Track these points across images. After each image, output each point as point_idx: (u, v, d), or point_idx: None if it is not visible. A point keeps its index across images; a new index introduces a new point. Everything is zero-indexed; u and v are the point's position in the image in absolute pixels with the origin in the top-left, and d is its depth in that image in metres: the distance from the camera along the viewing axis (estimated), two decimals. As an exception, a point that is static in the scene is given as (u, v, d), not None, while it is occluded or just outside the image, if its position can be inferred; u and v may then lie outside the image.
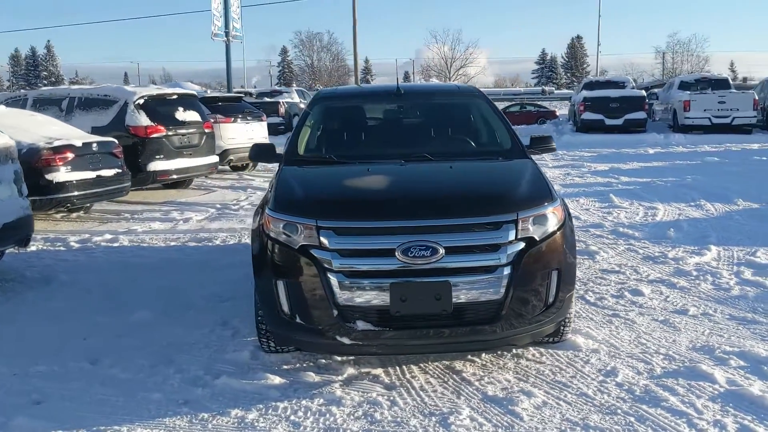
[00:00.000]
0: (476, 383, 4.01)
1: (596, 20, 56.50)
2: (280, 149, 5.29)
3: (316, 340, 3.99)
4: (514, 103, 42.75)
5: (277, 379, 4.10)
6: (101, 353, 4.62)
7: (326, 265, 3.84)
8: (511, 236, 3.86)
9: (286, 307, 3.99)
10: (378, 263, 3.82)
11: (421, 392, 3.92)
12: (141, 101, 10.90)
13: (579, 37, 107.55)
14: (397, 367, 4.26)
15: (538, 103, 44.43)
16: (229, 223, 9.11)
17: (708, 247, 7.04)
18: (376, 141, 5.27)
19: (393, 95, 5.51)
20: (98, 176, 9.01)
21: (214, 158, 12.18)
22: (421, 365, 4.28)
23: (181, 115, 11.38)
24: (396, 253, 3.78)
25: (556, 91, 77.33)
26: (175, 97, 11.63)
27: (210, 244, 8.00)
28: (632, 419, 3.54)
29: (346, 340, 3.88)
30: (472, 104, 5.64)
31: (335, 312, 3.85)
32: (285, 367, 4.32)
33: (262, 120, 14.87)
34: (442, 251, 3.77)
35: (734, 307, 5.25)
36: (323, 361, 4.38)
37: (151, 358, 4.51)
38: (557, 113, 37.71)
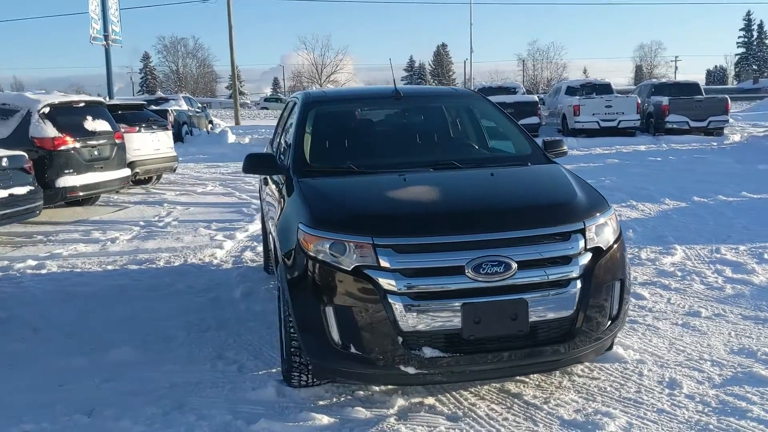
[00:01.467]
0: (544, 407, 3.71)
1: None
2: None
3: (374, 371, 3.54)
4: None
5: (324, 419, 3.60)
6: (94, 402, 3.93)
7: (387, 287, 3.41)
8: (580, 247, 3.60)
9: (336, 336, 3.51)
10: (446, 282, 3.43)
11: (492, 422, 3.57)
12: (46, 110, 9.76)
13: (444, 45, 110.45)
14: (448, 395, 3.88)
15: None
16: (165, 242, 8.30)
17: (673, 247, 7.14)
18: (393, 148, 4.83)
19: (393, 98, 5.08)
20: (10, 195, 7.94)
21: (127, 171, 11.18)
22: (472, 390, 3.92)
23: (91, 124, 10.34)
24: (466, 271, 3.41)
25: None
26: (82, 105, 10.54)
27: (154, 266, 7.23)
28: (727, 434, 3.38)
29: (411, 370, 3.47)
30: (476, 107, 5.34)
31: (399, 339, 3.43)
32: (321, 403, 3.83)
33: (167, 129, 13.91)
34: (515, 266, 3.45)
35: (740, 306, 5.27)
36: (362, 392, 3.93)
37: (159, 405, 3.87)
38: None
